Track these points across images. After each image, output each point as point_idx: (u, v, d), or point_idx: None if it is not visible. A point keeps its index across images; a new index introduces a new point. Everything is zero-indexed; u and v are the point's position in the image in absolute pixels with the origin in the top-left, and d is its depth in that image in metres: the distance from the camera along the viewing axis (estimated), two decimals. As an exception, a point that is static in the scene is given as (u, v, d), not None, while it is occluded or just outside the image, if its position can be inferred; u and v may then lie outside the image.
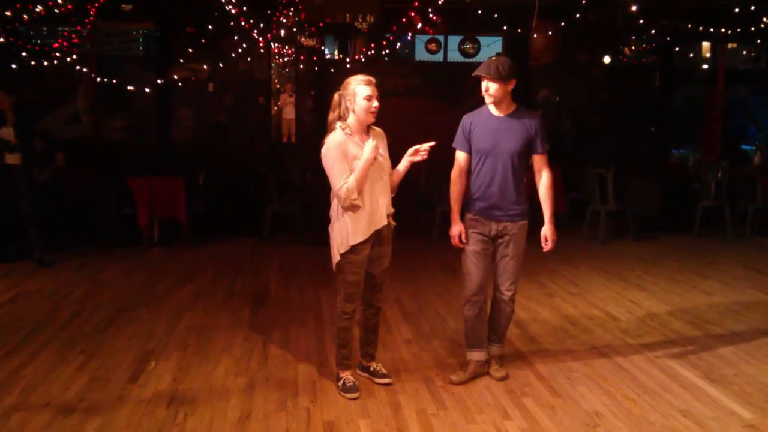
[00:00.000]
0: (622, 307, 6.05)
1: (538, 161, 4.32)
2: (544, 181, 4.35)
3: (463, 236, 4.32)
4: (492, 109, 4.25)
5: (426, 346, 5.05)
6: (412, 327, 5.46)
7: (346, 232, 4.00)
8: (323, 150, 3.98)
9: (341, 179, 3.90)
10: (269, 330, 5.34)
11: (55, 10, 8.48)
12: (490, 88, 4.13)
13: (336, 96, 4.06)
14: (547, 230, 4.33)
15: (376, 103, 3.97)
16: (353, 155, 3.95)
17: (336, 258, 4.08)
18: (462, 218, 4.37)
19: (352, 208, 3.96)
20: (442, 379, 4.41)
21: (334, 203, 4.07)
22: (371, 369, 4.41)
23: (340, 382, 4.22)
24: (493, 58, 4.22)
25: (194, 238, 8.52)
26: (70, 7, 8.52)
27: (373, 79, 4.02)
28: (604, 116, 11.18)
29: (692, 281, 6.96)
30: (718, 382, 4.38)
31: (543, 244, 4.33)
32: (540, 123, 4.26)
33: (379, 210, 4.05)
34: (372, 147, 3.90)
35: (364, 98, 3.94)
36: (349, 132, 4.00)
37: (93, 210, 8.54)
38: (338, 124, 4.02)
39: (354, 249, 4.01)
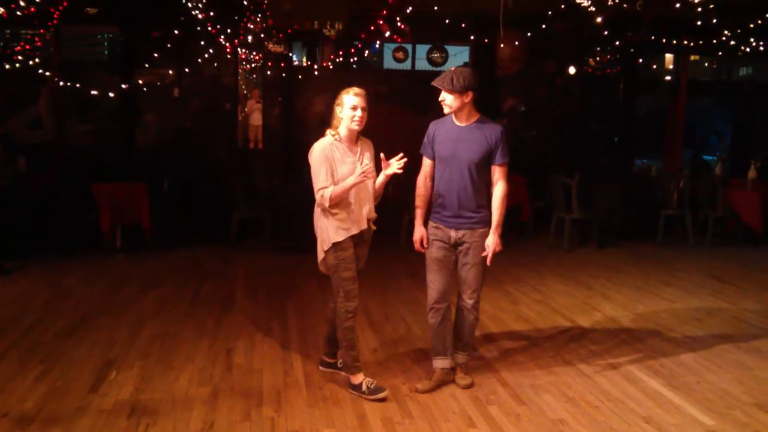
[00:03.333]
0: (585, 315, 6.10)
1: (496, 172, 4.35)
2: (498, 191, 4.35)
3: (425, 242, 4.38)
4: (454, 118, 4.33)
5: (392, 353, 5.04)
6: (377, 335, 5.45)
7: (329, 230, 4.20)
8: (312, 152, 4.21)
9: (320, 182, 4.12)
10: (234, 338, 5.29)
11: (18, 13, 8.33)
12: (446, 98, 4.24)
13: (334, 107, 4.29)
14: (490, 239, 4.33)
15: (359, 113, 4.16)
16: (339, 159, 4.17)
17: (321, 256, 4.27)
18: (426, 225, 4.43)
19: (325, 208, 4.17)
20: (408, 387, 4.40)
21: (318, 209, 4.29)
22: (338, 364, 4.52)
23: (363, 387, 4.22)
24: (453, 69, 4.29)
25: (158, 244, 8.43)
26: (33, 9, 8.37)
27: (362, 91, 4.23)
28: (569, 126, 11.30)
29: (655, 289, 7.06)
30: (680, 389, 4.44)
31: (485, 251, 4.36)
32: (501, 134, 4.32)
33: (362, 215, 4.26)
34: (360, 174, 4.06)
35: (350, 108, 4.17)
36: (338, 138, 4.21)
37: (55, 216, 8.40)
38: (329, 131, 4.26)
39: (340, 246, 4.18)
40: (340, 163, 4.17)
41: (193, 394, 4.24)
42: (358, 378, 4.28)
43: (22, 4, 8.13)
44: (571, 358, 4.98)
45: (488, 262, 4.34)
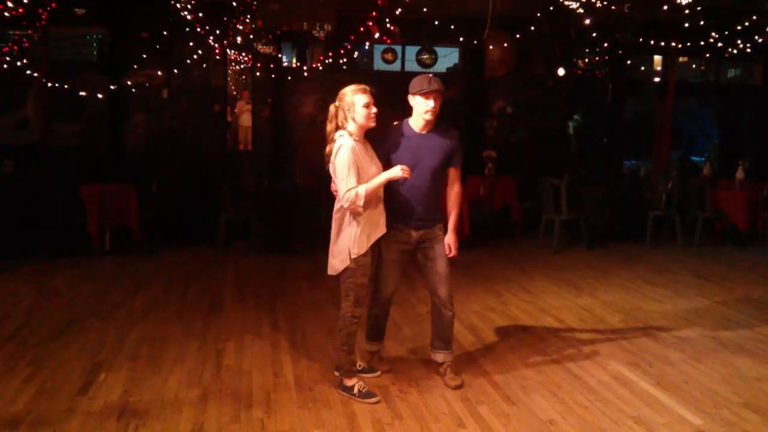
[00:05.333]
0: (575, 315, 6.13)
1: (453, 174, 4.47)
2: (455, 192, 4.51)
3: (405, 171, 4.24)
4: (411, 125, 4.38)
5: (382, 354, 5.03)
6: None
7: (359, 236, 4.14)
8: (339, 154, 4.08)
9: (351, 182, 4.04)
10: (223, 340, 5.27)
11: (5, 14, 8.28)
12: (436, 105, 4.27)
13: (332, 108, 4.21)
14: (450, 238, 4.44)
15: (374, 109, 4.19)
16: (367, 159, 4.17)
17: (346, 263, 4.16)
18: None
19: (356, 212, 4.10)
20: (397, 388, 4.41)
21: (339, 212, 4.18)
22: (357, 366, 4.54)
23: (354, 390, 4.24)
24: (430, 75, 4.33)
25: (146, 246, 8.40)
26: (21, 10, 8.32)
27: (367, 88, 4.22)
28: (558, 127, 11.34)
29: (643, 289, 7.09)
30: (668, 389, 4.46)
31: (446, 252, 4.44)
32: (458, 139, 4.46)
33: (383, 217, 4.30)
34: (399, 169, 4.10)
35: (363, 106, 4.14)
36: (356, 138, 4.17)
37: (42, 217, 8.35)
38: (343, 132, 4.16)
39: (364, 252, 4.16)
40: (368, 164, 4.16)
41: (183, 395, 4.22)
42: (352, 381, 4.28)
43: (9, 4, 8.08)
44: (561, 359, 5.00)
45: (454, 255, 4.47)
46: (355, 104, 4.14)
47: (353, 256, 4.12)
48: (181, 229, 9.23)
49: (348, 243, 4.14)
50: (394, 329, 5.62)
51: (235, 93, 10.31)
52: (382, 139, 4.40)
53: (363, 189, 4.04)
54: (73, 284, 6.92)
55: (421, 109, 4.29)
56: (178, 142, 10.14)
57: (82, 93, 9.83)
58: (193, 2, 8.60)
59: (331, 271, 4.26)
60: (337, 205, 4.20)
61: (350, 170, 4.04)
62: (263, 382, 4.47)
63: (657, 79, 12.77)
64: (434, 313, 4.55)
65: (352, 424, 3.88)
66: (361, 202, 4.04)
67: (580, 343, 5.35)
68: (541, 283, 7.31)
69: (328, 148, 4.21)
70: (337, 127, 4.19)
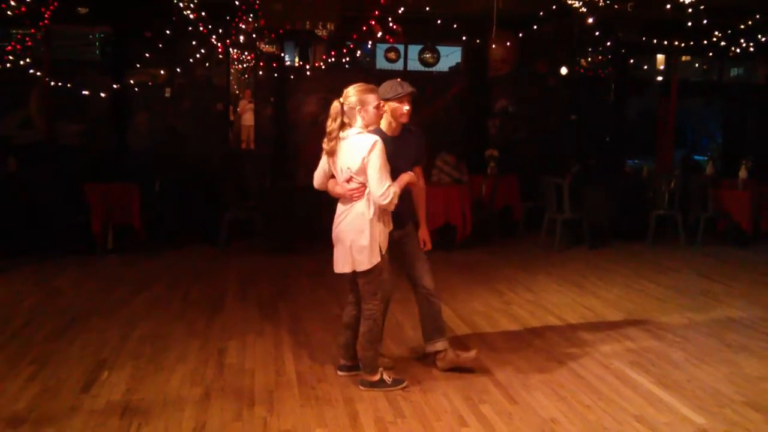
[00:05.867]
0: (577, 314, 6.12)
1: (418, 171, 4.58)
2: (420, 187, 4.63)
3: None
4: (386, 129, 4.44)
5: (384, 352, 5.03)
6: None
7: (381, 236, 4.20)
8: (376, 150, 4.04)
9: (388, 180, 4.07)
10: (226, 338, 5.28)
11: (9, 12, 8.30)
12: (411, 108, 4.38)
13: (336, 105, 4.18)
14: (423, 233, 4.64)
15: (383, 110, 4.29)
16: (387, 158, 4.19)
17: (375, 261, 4.17)
18: None
19: (389, 209, 4.14)
20: (400, 387, 4.40)
21: (365, 208, 4.15)
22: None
23: (389, 381, 4.31)
24: (398, 79, 4.46)
25: (149, 245, 8.41)
26: (24, 9, 8.34)
27: (376, 87, 4.26)
28: (560, 126, 11.34)
29: (646, 288, 7.08)
30: (671, 388, 4.45)
31: (421, 246, 4.60)
32: (423, 136, 4.63)
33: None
34: (412, 174, 4.26)
35: (374, 107, 4.17)
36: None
37: (45, 216, 8.36)
38: (359, 129, 4.15)
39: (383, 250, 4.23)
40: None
41: (185, 394, 4.23)
42: (377, 375, 4.33)
43: (12, 3, 8.11)
44: (563, 358, 5.00)
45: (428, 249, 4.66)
46: (366, 104, 4.14)
47: (383, 253, 4.18)
48: (183, 228, 9.25)
49: (378, 240, 4.16)
50: (396, 328, 5.62)
51: (237, 92, 10.34)
52: None
53: (397, 188, 4.10)
54: (76, 283, 6.93)
55: (396, 114, 4.37)
56: (181, 141, 10.17)
57: (85, 92, 9.86)
58: (196, 1, 8.61)
59: (357, 268, 4.20)
60: (363, 202, 4.14)
61: (386, 167, 4.07)
62: (266, 380, 4.47)
63: (660, 79, 12.75)
64: (423, 305, 4.62)
65: (354, 423, 3.88)
66: (396, 200, 4.09)
67: (582, 342, 5.35)
68: (544, 282, 7.31)
69: (329, 145, 4.17)
70: (343, 124, 4.15)
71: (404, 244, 4.55)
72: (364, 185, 4.12)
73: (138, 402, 4.09)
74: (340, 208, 4.29)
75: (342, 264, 4.27)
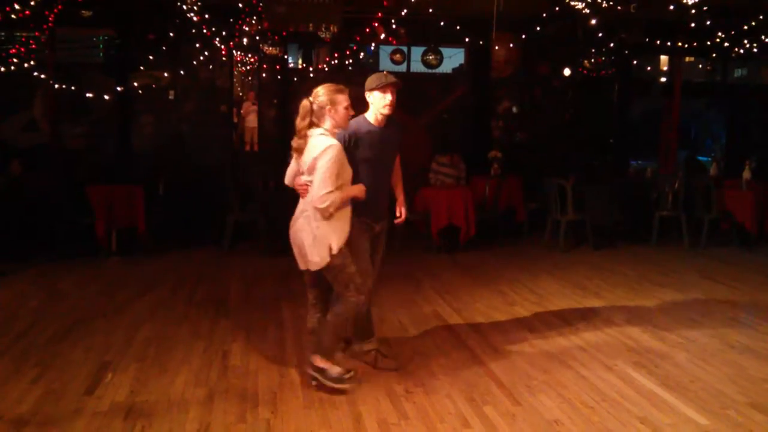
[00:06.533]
0: (580, 315, 6.12)
1: (396, 160, 4.80)
2: (399, 174, 4.91)
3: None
4: (372, 121, 4.52)
5: (386, 352, 5.03)
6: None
7: (341, 230, 4.19)
8: (328, 154, 4.04)
9: (330, 186, 4.03)
10: (229, 340, 5.29)
11: (13, 16, 8.33)
12: (393, 99, 4.46)
13: (306, 104, 4.20)
14: (401, 205, 4.89)
15: (352, 111, 4.28)
16: (346, 162, 4.19)
17: (327, 259, 4.15)
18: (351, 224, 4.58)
19: (325, 215, 4.11)
20: (404, 388, 4.41)
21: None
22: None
23: (333, 373, 4.29)
24: (384, 71, 4.56)
25: (153, 247, 8.43)
26: (28, 12, 8.37)
27: (346, 88, 4.26)
28: (563, 127, 11.33)
29: (649, 290, 7.07)
30: (674, 389, 4.45)
31: (398, 215, 4.81)
32: (402, 128, 4.74)
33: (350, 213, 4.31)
34: (363, 190, 4.25)
35: (344, 108, 4.19)
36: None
37: (49, 219, 8.39)
38: (323, 130, 4.17)
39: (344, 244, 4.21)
40: (347, 164, 4.22)
41: (189, 396, 4.24)
42: (329, 363, 4.32)
43: (17, 6, 8.13)
44: (566, 359, 4.99)
45: (401, 221, 4.91)
46: (337, 104, 4.17)
47: (334, 251, 4.13)
48: (187, 230, 9.25)
49: (330, 238, 4.14)
50: (400, 329, 5.63)
51: (241, 94, 10.35)
52: (345, 134, 4.52)
53: (338, 196, 4.07)
54: (80, 285, 6.95)
55: (380, 104, 4.46)
56: (185, 143, 10.19)
57: (89, 95, 9.88)
58: (199, 4, 8.63)
59: (310, 267, 4.23)
60: (311, 204, 4.16)
61: (333, 174, 4.04)
62: (269, 382, 4.48)
63: (663, 80, 12.74)
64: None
65: (357, 425, 3.89)
66: (333, 208, 4.07)
67: (586, 344, 5.34)
68: (547, 283, 7.31)
69: (297, 143, 4.21)
70: (311, 124, 4.19)
71: (380, 238, 4.68)
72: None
73: (142, 404, 4.10)
74: (299, 206, 4.32)
75: (300, 262, 4.32)
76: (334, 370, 4.31)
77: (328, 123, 4.18)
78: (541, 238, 9.28)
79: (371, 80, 4.48)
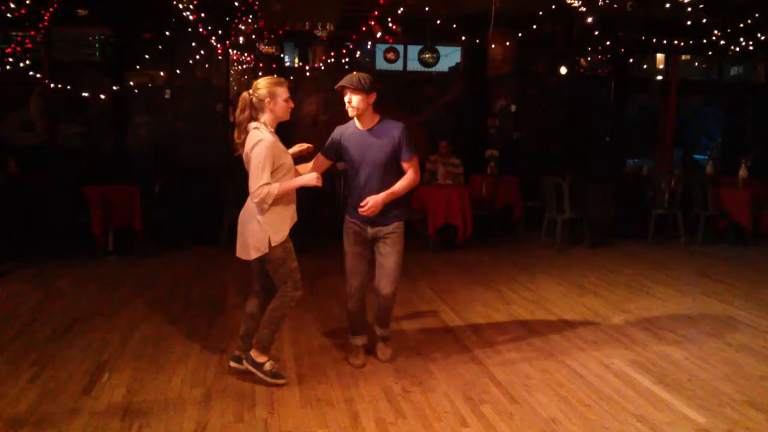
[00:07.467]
0: (577, 314, 6.12)
1: (406, 166, 4.58)
2: (406, 176, 4.56)
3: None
4: (356, 123, 4.53)
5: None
6: (370, 334, 5.44)
7: (281, 223, 4.22)
8: (258, 148, 4.10)
9: (263, 179, 4.08)
10: (227, 340, 5.28)
11: (8, 15, 8.31)
12: (353, 100, 4.42)
13: (246, 96, 4.26)
14: (376, 198, 4.41)
15: (292, 103, 4.32)
16: (282, 153, 4.20)
17: (264, 251, 4.20)
18: (343, 222, 4.68)
19: (262, 208, 4.16)
20: (400, 387, 4.41)
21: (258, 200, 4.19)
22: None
23: (266, 367, 4.35)
24: (355, 72, 4.50)
25: (150, 247, 8.41)
26: (23, 11, 8.34)
27: (285, 81, 4.31)
28: (560, 126, 11.33)
29: (646, 288, 7.09)
30: (671, 387, 4.46)
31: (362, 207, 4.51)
32: (404, 132, 4.52)
33: (295, 206, 4.37)
34: (314, 178, 4.21)
35: (284, 100, 4.23)
36: (272, 131, 4.23)
37: (46, 218, 8.37)
38: (259, 124, 4.21)
39: (287, 238, 4.25)
40: (284, 155, 4.23)
41: (186, 395, 4.23)
42: (264, 357, 4.37)
43: (12, 6, 8.11)
44: (564, 357, 5.00)
45: (365, 211, 4.41)
46: (276, 96, 4.20)
47: (274, 244, 4.17)
48: (184, 229, 9.24)
49: (268, 231, 4.18)
50: (396, 328, 5.62)
51: (237, 93, 10.32)
52: (331, 137, 4.63)
53: (276, 188, 4.10)
54: (77, 284, 6.94)
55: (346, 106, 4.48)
56: (181, 142, 10.17)
57: (85, 94, 9.86)
58: (195, 2, 8.61)
59: (244, 256, 4.31)
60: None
61: (266, 166, 4.07)
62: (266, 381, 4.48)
63: (660, 78, 12.76)
64: (376, 303, 4.73)
65: (355, 423, 3.89)
66: (270, 200, 4.11)
67: (583, 342, 5.35)
68: (544, 281, 7.31)
69: (239, 137, 4.25)
70: (251, 117, 4.23)
71: (381, 245, 4.60)
72: None
73: (139, 403, 4.10)
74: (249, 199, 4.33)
75: (240, 250, 4.38)
76: (269, 364, 4.37)
77: (267, 117, 4.22)
78: (538, 237, 9.29)
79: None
